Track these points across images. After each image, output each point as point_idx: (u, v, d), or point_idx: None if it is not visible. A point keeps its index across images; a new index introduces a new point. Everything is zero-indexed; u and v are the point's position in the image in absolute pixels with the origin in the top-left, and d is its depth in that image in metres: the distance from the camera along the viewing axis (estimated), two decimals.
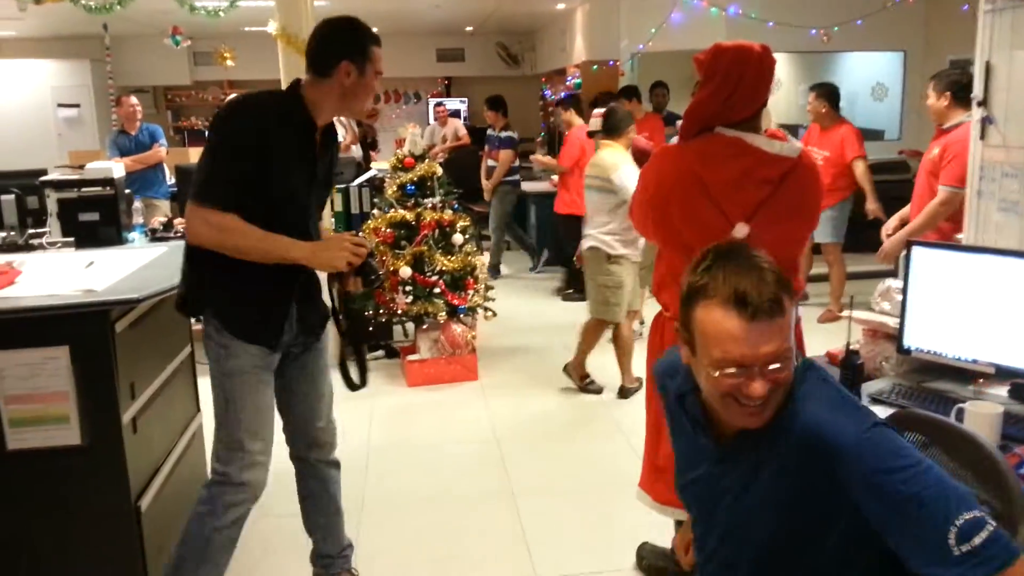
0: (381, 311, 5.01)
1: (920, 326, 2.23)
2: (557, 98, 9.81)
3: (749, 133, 2.34)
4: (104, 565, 2.62)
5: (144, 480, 2.73)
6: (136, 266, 2.98)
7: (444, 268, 4.93)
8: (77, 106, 11.31)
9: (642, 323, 5.31)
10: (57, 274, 2.94)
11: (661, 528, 2.91)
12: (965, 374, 2.19)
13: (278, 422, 2.51)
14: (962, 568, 1.22)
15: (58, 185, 4.07)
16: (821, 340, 2.86)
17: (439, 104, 10.76)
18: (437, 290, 4.91)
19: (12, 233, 3.95)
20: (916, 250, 2.24)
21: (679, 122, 2.64)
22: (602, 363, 4.83)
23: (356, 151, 8.38)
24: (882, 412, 1.61)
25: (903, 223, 4.32)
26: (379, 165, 7.57)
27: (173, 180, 7.20)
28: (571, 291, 6.94)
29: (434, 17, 10.52)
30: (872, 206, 5.72)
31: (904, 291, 2.26)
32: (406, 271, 4.86)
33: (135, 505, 2.63)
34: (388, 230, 4.96)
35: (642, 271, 4.56)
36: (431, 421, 4.50)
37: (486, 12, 9.95)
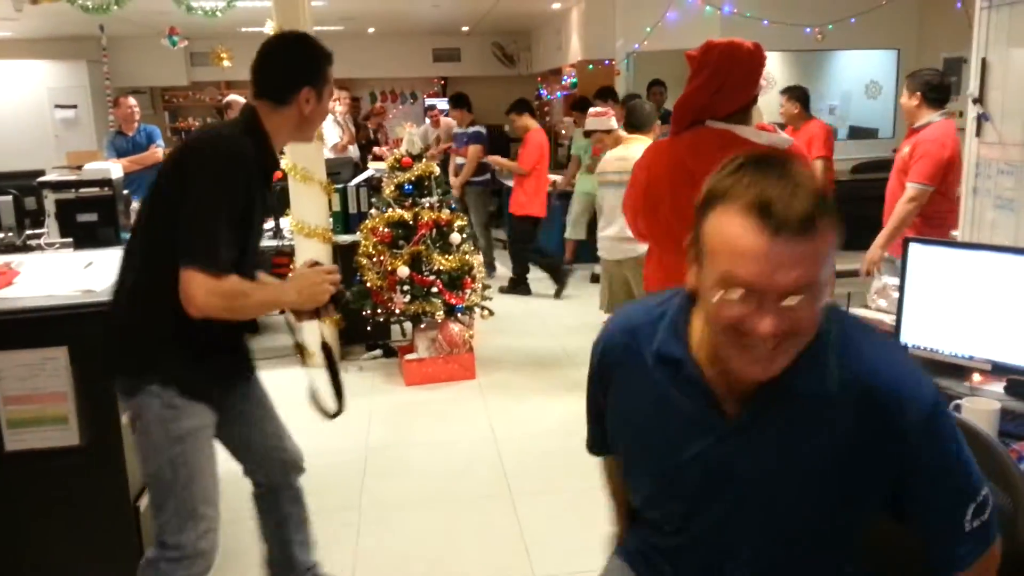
0: (379, 310, 5.02)
1: (916, 323, 2.24)
2: (552, 98, 9.81)
3: (739, 125, 2.36)
4: (103, 565, 2.63)
5: (143, 480, 2.73)
6: None
7: (442, 267, 4.93)
8: (74, 107, 11.30)
9: None
10: (56, 275, 2.95)
11: None
12: (961, 371, 2.20)
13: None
14: (971, 544, 1.23)
15: (56, 186, 4.07)
16: None
17: (431, 107, 10.77)
18: (435, 289, 4.92)
19: (10, 234, 3.96)
20: (913, 247, 2.25)
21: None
22: None
23: (353, 151, 8.39)
24: None
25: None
26: (377, 165, 7.57)
27: None
28: (518, 287, 7.03)
29: (431, 17, 10.53)
30: None
31: (900, 288, 2.27)
32: (404, 271, 4.86)
33: (134, 505, 2.63)
34: (386, 230, 4.96)
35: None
36: (429, 420, 4.51)
37: (482, 11, 9.95)
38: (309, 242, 5.12)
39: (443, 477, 3.79)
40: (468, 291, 5.04)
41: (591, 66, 8.92)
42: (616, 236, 4.42)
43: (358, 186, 5.66)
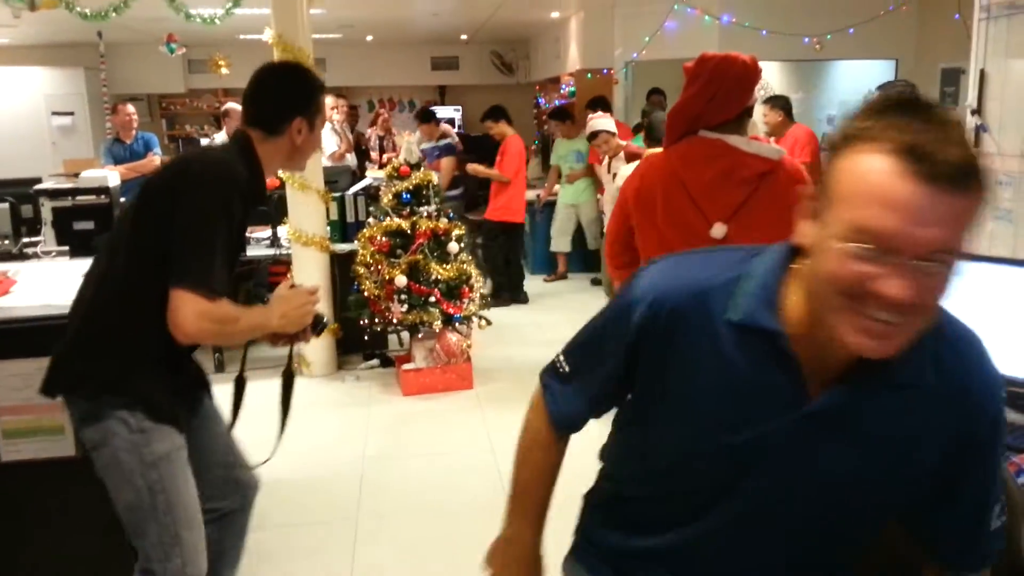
0: (376, 320, 5.01)
1: None
2: (551, 107, 9.81)
3: (731, 135, 2.37)
4: None
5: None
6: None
7: (439, 277, 4.92)
8: (71, 114, 11.29)
9: None
10: (52, 284, 2.94)
11: None
12: None
13: None
14: (997, 541, 1.21)
15: (53, 194, 4.07)
16: None
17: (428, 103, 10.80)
18: (432, 299, 4.91)
19: (6, 242, 3.95)
20: None
21: None
22: None
23: (350, 160, 8.39)
24: None
25: None
26: (374, 174, 7.57)
27: None
28: (501, 298, 6.99)
29: (430, 25, 10.54)
30: None
31: None
32: (401, 280, 4.85)
33: None
34: (383, 238, 4.95)
35: None
36: (426, 430, 4.49)
37: (481, 20, 9.97)
38: (306, 251, 5.12)
39: (440, 488, 3.77)
40: (466, 301, 5.03)
41: (589, 75, 8.94)
42: None
43: (356, 195, 5.66)
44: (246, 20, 7.97)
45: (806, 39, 7.95)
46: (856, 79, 9.11)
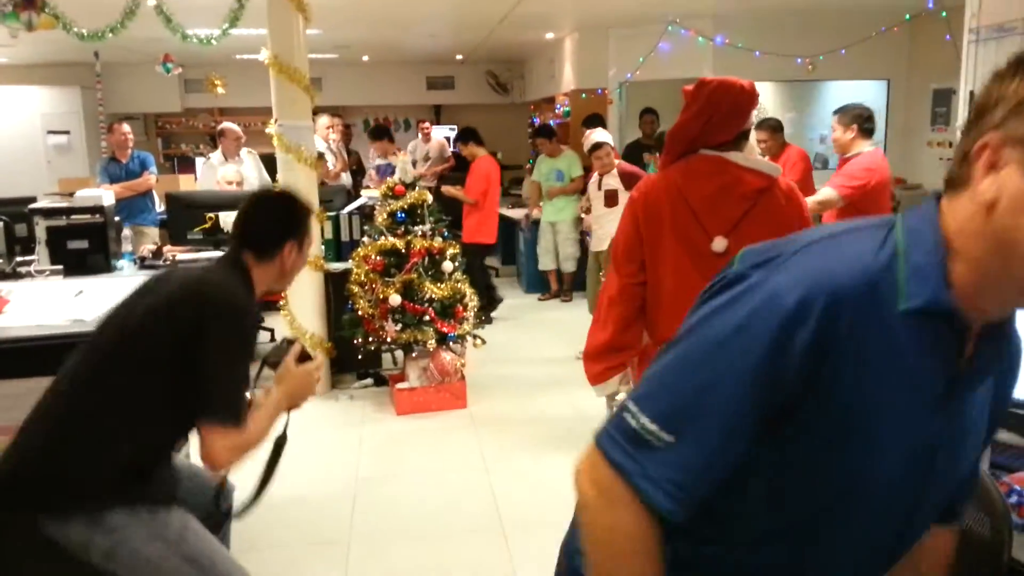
0: (370, 339, 5.00)
1: None
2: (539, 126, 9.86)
3: (730, 151, 2.44)
4: None
5: None
6: (125, 295, 2.96)
7: (434, 296, 4.92)
8: (67, 133, 11.30)
9: None
10: (46, 303, 2.93)
11: None
12: None
13: None
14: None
15: (47, 212, 4.07)
16: None
17: (423, 121, 10.83)
18: (427, 318, 4.91)
19: (0, 261, 3.94)
20: None
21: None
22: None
23: (345, 179, 8.40)
24: None
25: None
26: (369, 193, 7.59)
27: (162, 207, 7.18)
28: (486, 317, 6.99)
29: (425, 46, 10.60)
30: None
31: None
32: (395, 299, 4.85)
33: None
34: (378, 258, 4.96)
35: None
36: (420, 450, 4.48)
37: (476, 41, 10.03)
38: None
39: (433, 509, 3.75)
40: (460, 319, 5.03)
41: (584, 95, 8.99)
42: None
43: (350, 214, 5.67)
44: (242, 40, 8.00)
45: (799, 60, 8.01)
46: (848, 99, 9.13)
